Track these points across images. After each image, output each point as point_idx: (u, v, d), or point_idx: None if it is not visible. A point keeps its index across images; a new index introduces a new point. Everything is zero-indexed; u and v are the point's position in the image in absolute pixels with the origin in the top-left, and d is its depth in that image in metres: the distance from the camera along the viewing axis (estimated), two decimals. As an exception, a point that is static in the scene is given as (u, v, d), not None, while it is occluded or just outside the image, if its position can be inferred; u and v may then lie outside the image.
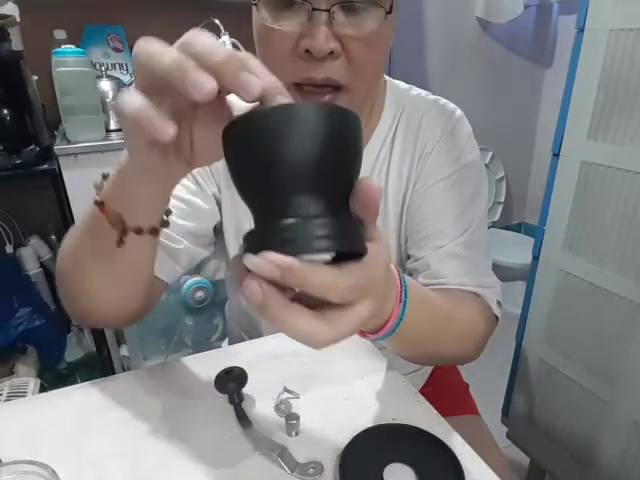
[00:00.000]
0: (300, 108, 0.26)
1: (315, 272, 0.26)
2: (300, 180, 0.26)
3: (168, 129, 0.29)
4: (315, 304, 0.28)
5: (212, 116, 0.34)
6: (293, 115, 0.26)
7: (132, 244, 0.43)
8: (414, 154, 0.63)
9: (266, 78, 0.29)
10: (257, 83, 0.28)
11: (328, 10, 0.46)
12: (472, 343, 0.57)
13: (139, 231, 0.42)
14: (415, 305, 0.41)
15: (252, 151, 0.27)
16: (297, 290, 0.29)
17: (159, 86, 0.30)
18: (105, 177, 0.42)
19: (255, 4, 0.49)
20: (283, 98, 0.29)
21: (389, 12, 0.49)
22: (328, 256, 0.27)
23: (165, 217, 0.45)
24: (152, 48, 0.29)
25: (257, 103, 0.30)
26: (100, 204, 0.41)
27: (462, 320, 0.55)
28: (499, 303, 0.61)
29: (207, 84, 0.27)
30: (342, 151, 0.27)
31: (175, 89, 0.28)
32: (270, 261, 0.25)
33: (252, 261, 0.25)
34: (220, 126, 0.34)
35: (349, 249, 0.27)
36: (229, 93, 0.32)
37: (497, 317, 0.62)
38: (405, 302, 0.39)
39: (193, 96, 0.28)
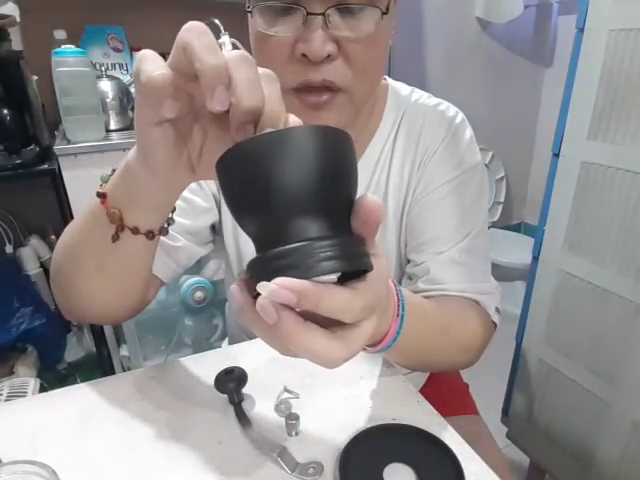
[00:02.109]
0: (290, 133, 0.26)
1: (330, 295, 0.26)
2: (300, 204, 0.26)
3: (175, 105, 0.31)
4: (320, 320, 0.28)
5: (227, 126, 0.34)
6: (284, 141, 0.26)
7: (127, 242, 0.43)
8: (415, 159, 0.63)
9: (272, 106, 0.30)
10: (225, 97, 0.29)
11: (323, 14, 0.45)
12: (470, 353, 0.58)
13: (135, 230, 0.42)
14: (412, 318, 0.41)
15: (248, 180, 0.27)
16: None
17: (188, 70, 0.31)
18: (114, 172, 0.42)
19: (250, 11, 0.49)
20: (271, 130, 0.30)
21: (385, 12, 0.48)
22: (334, 276, 0.27)
23: (166, 225, 0.45)
24: (206, 40, 0.30)
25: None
26: (102, 196, 0.41)
27: (460, 331, 0.55)
28: (497, 310, 0.62)
29: (222, 105, 0.29)
30: (338, 170, 0.27)
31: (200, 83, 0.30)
32: (285, 286, 0.25)
33: (267, 288, 0.25)
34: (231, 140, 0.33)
35: (357, 268, 0.27)
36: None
37: (495, 324, 0.62)
38: (402, 315, 0.39)
39: (207, 102, 0.29)
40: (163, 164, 0.36)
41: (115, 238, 0.42)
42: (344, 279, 0.28)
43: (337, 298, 0.27)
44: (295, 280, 0.25)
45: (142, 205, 0.41)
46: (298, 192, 0.26)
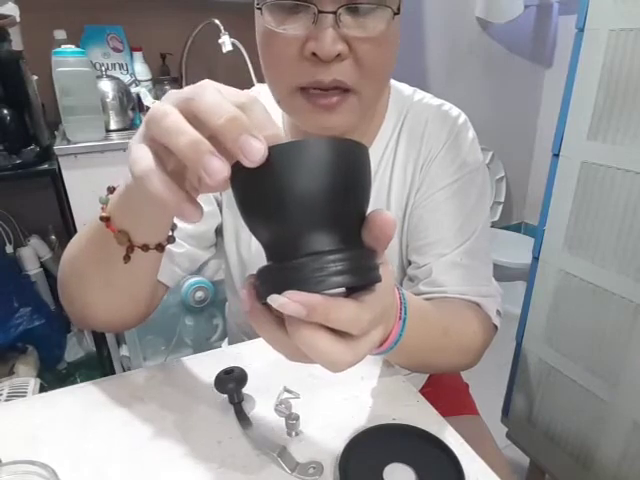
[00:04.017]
0: (308, 144, 0.26)
1: (339, 308, 0.27)
2: (314, 217, 0.26)
3: (194, 212, 0.29)
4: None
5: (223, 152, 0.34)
6: (300, 152, 0.26)
7: (138, 260, 0.43)
8: (418, 159, 0.63)
9: (268, 130, 0.28)
10: (258, 144, 0.26)
11: (334, 12, 0.45)
12: (470, 355, 0.58)
13: (145, 248, 0.43)
14: (414, 321, 0.41)
15: (263, 191, 0.27)
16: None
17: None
18: (110, 190, 0.42)
19: (259, 8, 0.49)
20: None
21: (397, 13, 0.47)
22: (345, 287, 0.28)
23: (171, 232, 0.45)
24: (167, 123, 0.28)
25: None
26: (106, 219, 0.41)
27: (461, 333, 0.55)
28: (499, 312, 0.62)
29: (219, 173, 0.26)
30: (353, 184, 0.27)
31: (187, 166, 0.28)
32: (295, 300, 0.25)
33: (278, 301, 0.26)
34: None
35: (366, 282, 0.28)
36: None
37: (496, 326, 0.62)
38: (405, 319, 0.39)
39: (206, 182, 0.27)
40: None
41: (127, 259, 0.43)
42: (353, 288, 0.29)
43: (346, 312, 0.27)
44: (304, 294, 0.26)
45: (148, 224, 0.41)
46: (313, 205, 0.26)
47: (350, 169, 0.27)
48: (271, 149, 0.26)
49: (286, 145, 0.26)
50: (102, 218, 0.41)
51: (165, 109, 0.28)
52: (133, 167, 0.30)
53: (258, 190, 0.27)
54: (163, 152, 0.30)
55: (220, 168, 0.26)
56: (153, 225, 0.42)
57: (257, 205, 0.28)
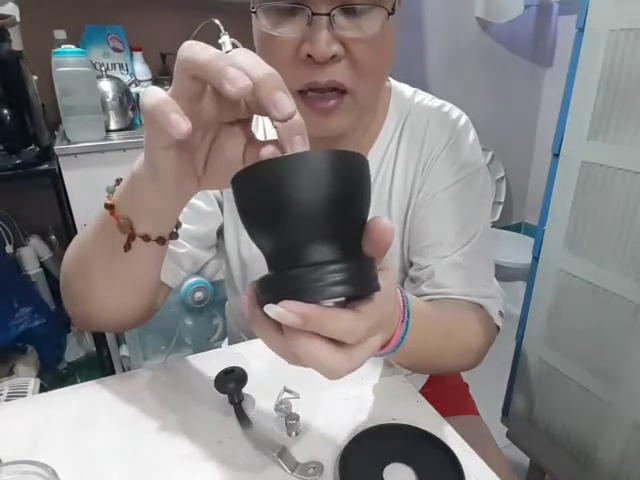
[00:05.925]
0: (308, 157, 0.26)
1: (334, 318, 0.27)
2: (314, 228, 0.27)
3: (182, 125, 0.30)
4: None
5: (234, 137, 0.34)
6: (302, 164, 0.26)
7: (139, 250, 0.43)
8: (419, 161, 0.63)
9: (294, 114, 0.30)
10: (290, 104, 0.28)
11: (328, 14, 0.45)
12: (472, 355, 0.58)
13: (146, 238, 0.43)
14: (416, 323, 0.41)
15: (264, 202, 0.27)
16: None
17: (192, 90, 0.31)
18: (118, 182, 0.42)
19: (254, 12, 0.49)
20: (300, 139, 0.30)
21: (392, 13, 0.48)
22: (343, 297, 0.28)
23: (175, 229, 0.45)
24: (196, 45, 0.30)
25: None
26: (110, 207, 0.41)
27: (463, 334, 0.55)
28: (501, 313, 0.62)
29: (241, 80, 0.28)
30: (353, 196, 0.28)
31: (211, 83, 0.30)
32: (291, 310, 0.26)
33: (274, 310, 0.26)
34: (239, 150, 0.34)
35: (364, 292, 0.28)
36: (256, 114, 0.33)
37: (498, 327, 0.62)
38: (407, 322, 0.39)
39: (226, 89, 0.28)
40: (172, 180, 0.37)
41: (127, 247, 0.43)
42: (352, 297, 0.29)
43: (341, 322, 0.27)
44: (301, 304, 0.26)
45: (151, 214, 0.42)
46: (312, 217, 0.26)
47: (350, 180, 0.27)
48: (271, 162, 0.27)
49: (286, 158, 0.27)
50: (107, 205, 0.42)
51: (195, 45, 0.31)
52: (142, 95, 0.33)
53: (259, 201, 0.27)
54: (185, 99, 0.32)
55: (242, 77, 0.28)
56: (156, 214, 0.42)
57: (258, 216, 0.28)
